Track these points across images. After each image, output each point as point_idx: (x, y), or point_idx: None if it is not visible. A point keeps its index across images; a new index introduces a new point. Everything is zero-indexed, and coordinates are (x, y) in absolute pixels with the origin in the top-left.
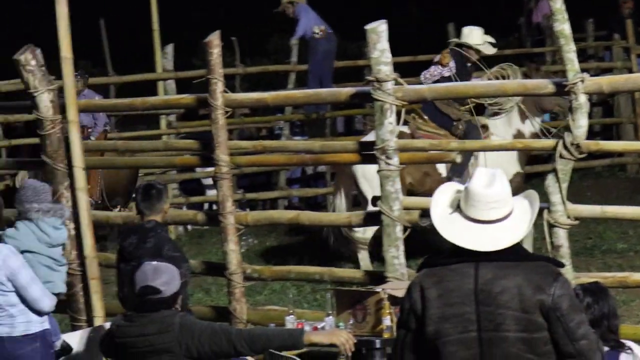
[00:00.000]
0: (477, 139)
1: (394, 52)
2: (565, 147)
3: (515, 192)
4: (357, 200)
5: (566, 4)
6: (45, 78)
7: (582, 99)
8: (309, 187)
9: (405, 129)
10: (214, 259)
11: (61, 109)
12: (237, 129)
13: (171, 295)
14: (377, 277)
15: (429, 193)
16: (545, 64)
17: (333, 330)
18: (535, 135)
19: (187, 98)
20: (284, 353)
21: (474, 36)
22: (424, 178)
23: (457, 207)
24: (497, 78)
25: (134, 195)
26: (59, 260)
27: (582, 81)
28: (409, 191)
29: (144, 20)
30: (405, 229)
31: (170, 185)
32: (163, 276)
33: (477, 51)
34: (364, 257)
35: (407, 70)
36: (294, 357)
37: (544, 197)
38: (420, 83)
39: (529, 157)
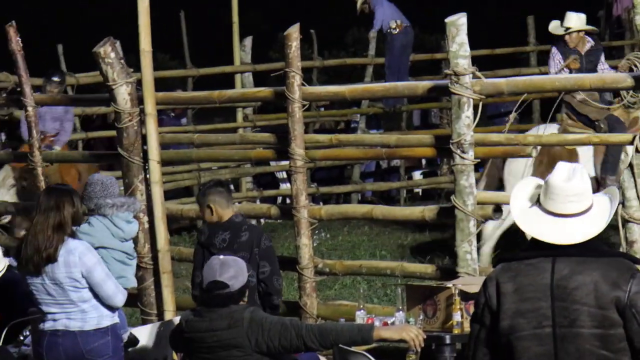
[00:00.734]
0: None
1: (472, 45)
2: None
3: None
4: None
5: None
6: (123, 71)
7: None
8: (383, 181)
9: (555, 129)
10: (286, 253)
11: (139, 102)
12: (314, 121)
13: (239, 289)
14: (449, 273)
15: None
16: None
17: (403, 326)
18: None
19: (264, 91)
20: (353, 348)
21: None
22: None
23: (537, 201)
24: (630, 69)
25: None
26: (131, 255)
27: None
28: None
29: (223, 13)
30: (478, 224)
31: (245, 179)
32: (230, 270)
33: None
34: (484, 252)
35: (484, 64)
36: (364, 352)
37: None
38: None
39: None
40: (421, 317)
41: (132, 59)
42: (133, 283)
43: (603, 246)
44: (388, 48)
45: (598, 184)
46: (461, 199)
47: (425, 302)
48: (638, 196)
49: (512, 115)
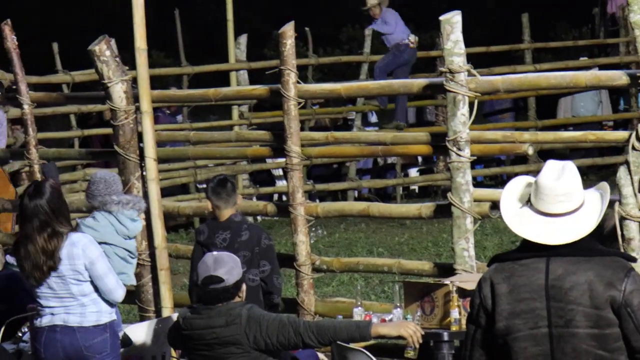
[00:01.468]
0: None
1: (467, 43)
2: (639, 139)
3: None
4: None
5: None
6: (119, 69)
7: None
8: (379, 178)
9: None
10: (283, 250)
11: (134, 99)
12: (309, 119)
13: (234, 283)
14: (446, 269)
15: None
16: (619, 55)
17: (401, 322)
18: None
19: (259, 89)
20: (351, 345)
21: None
22: None
23: (527, 201)
24: None
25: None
26: (133, 253)
27: None
28: None
29: (217, 11)
30: (475, 221)
31: (241, 176)
32: (225, 265)
33: None
34: None
35: (479, 61)
36: (362, 349)
37: (616, 189)
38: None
39: (601, 149)
40: (419, 314)
41: (127, 57)
42: (133, 281)
43: (597, 245)
44: (394, 56)
45: None
46: (458, 196)
47: (423, 299)
48: (635, 193)
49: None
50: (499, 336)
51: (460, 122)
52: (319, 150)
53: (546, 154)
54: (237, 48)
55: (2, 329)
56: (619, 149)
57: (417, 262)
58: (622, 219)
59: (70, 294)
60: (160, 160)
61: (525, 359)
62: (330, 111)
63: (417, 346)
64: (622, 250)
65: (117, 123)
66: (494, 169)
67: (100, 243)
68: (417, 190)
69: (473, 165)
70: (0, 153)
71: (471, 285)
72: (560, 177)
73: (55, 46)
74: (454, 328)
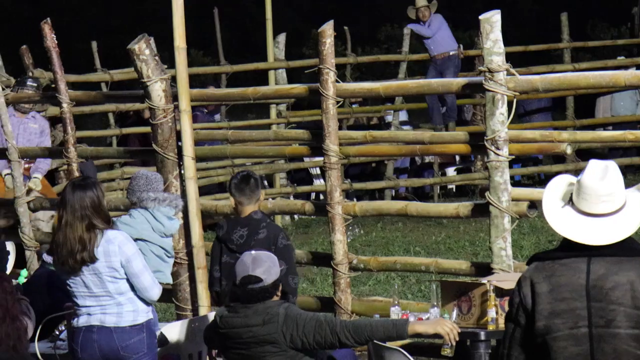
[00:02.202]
0: None
1: (505, 43)
2: None
3: None
4: None
5: None
6: (158, 67)
7: None
8: (416, 177)
9: None
10: (320, 249)
11: (173, 98)
12: (347, 118)
13: (272, 283)
14: (483, 269)
15: None
16: None
17: (437, 320)
18: None
19: (298, 88)
20: (388, 344)
21: None
22: None
23: (569, 201)
24: None
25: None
26: (170, 252)
27: None
28: None
29: (256, 10)
30: (513, 220)
31: (279, 175)
32: (263, 265)
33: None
34: None
35: (518, 61)
36: (399, 348)
37: None
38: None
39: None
40: (455, 312)
41: (166, 57)
42: (169, 279)
43: (638, 244)
44: (446, 67)
45: None
46: (496, 196)
47: (460, 298)
48: None
49: None
50: (538, 335)
51: (499, 122)
52: (357, 149)
53: (584, 153)
54: (275, 47)
55: (40, 327)
56: None
57: (455, 261)
58: None
59: (107, 292)
60: (199, 159)
61: (564, 358)
62: (369, 110)
63: (454, 344)
64: None
65: (156, 122)
66: (532, 168)
67: (136, 240)
68: (454, 190)
69: (511, 164)
70: (39, 151)
71: (508, 285)
72: (604, 177)
73: (94, 45)
74: (490, 327)
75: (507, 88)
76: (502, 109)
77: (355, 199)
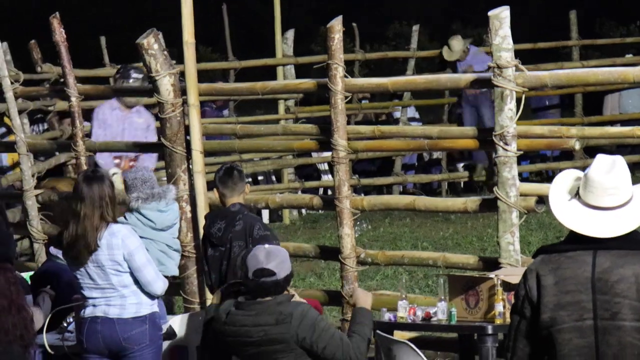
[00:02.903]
0: None
1: (514, 40)
2: None
3: None
4: None
5: None
6: (166, 62)
7: None
8: (424, 173)
9: None
10: (327, 243)
11: (182, 92)
12: (356, 113)
13: (285, 277)
14: (491, 263)
15: None
16: None
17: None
18: None
19: (306, 83)
20: (395, 337)
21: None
22: None
23: (576, 194)
24: None
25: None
26: (172, 245)
27: None
28: None
29: (265, 6)
30: (520, 215)
31: (286, 170)
32: (276, 259)
33: None
34: None
35: (527, 58)
36: (406, 341)
37: None
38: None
39: None
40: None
41: (174, 53)
42: (174, 272)
43: None
44: (480, 102)
45: None
46: (504, 191)
47: (468, 292)
48: None
49: None
50: (543, 328)
51: (507, 117)
52: (365, 144)
53: (592, 150)
54: (284, 43)
55: (48, 319)
56: None
57: (462, 255)
58: None
59: (111, 284)
60: (207, 153)
61: (569, 350)
62: (377, 106)
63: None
64: None
65: (165, 116)
66: (540, 164)
67: None
68: (462, 186)
69: (519, 161)
70: (47, 145)
71: (516, 279)
72: (611, 170)
73: (103, 40)
74: (498, 321)
75: (515, 84)
76: (510, 105)
77: (362, 195)
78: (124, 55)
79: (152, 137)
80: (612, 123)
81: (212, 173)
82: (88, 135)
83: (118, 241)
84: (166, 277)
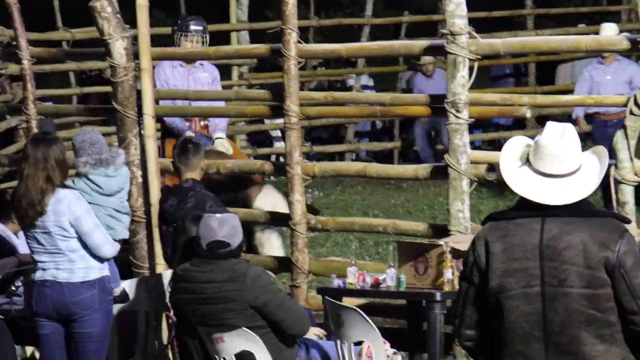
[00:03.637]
0: None
1: (469, 8)
2: (637, 104)
3: None
4: None
5: None
6: (119, 25)
7: None
8: (377, 141)
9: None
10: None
11: (134, 57)
12: (309, 81)
13: (238, 245)
14: (441, 231)
15: None
16: (621, 22)
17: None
18: None
19: (260, 48)
20: (344, 303)
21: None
22: None
23: (527, 161)
24: None
25: None
26: (121, 209)
27: None
28: None
29: None
30: (471, 183)
31: (239, 137)
32: (230, 229)
33: None
34: None
35: (481, 27)
36: (355, 307)
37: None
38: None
39: None
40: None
41: (128, 16)
42: (123, 235)
43: (592, 206)
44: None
45: None
46: (455, 158)
47: (417, 259)
48: (631, 158)
49: None
50: (491, 294)
51: (460, 85)
52: (317, 110)
53: (544, 120)
54: (238, 9)
55: None
56: None
57: (412, 222)
58: (617, 182)
59: (58, 249)
60: (159, 118)
61: (516, 317)
62: (331, 73)
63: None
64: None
65: (117, 80)
66: (492, 133)
67: None
68: (413, 154)
69: (471, 129)
70: (4, 107)
71: (465, 246)
72: (561, 138)
73: (56, 2)
74: (446, 288)
75: (468, 51)
76: (463, 72)
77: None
78: (77, 18)
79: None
80: (565, 92)
81: None
82: (41, 99)
83: (64, 207)
84: (118, 241)
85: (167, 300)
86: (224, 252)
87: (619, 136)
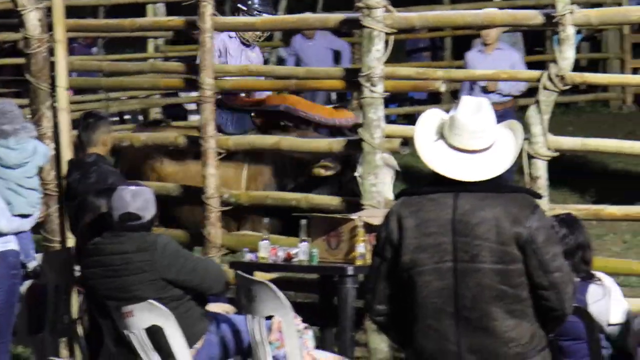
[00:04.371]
0: None
1: None
2: (550, 79)
3: None
4: None
5: None
6: None
7: (570, 30)
8: None
9: None
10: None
11: (49, 28)
12: None
13: (150, 219)
14: (354, 205)
15: None
16: None
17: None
18: None
19: (176, 20)
20: (255, 277)
21: None
22: None
23: (442, 136)
24: None
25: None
26: (23, 184)
27: (571, 13)
28: None
29: None
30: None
31: (153, 110)
32: (142, 200)
33: None
34: None
35: (397, 0)
36: (267, 281)
37: (525, 128)
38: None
39: None
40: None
41: None
42: (24, 211)
43: (505, 181)
44: None
45: None
46: (368, 132)
47: (329, 233)
48: (544, 132)
49: None
50: (404, 270)
51: (375, 58)
52: (232, 83)
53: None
54: None
55: None
56: (533, 90)
57: (325, 197)
58: (530, 157)
59: None
60: (75, 91)
61: (429, 292)
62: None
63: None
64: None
65: (30, 51)
66: (407, 107)
67: None
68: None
69: (387, 104)
70: None
71: (378, 221)
72: (476, 113)
73: None
74: (358, 263)
75: (384, 25)
76: (378, 46)
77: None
78: None
79: None
80: None
81: (78, 111)
82: None
83: None
84: (22, 215)
85: (78, 274)
86: (135, 225)
87: (532, 110)
